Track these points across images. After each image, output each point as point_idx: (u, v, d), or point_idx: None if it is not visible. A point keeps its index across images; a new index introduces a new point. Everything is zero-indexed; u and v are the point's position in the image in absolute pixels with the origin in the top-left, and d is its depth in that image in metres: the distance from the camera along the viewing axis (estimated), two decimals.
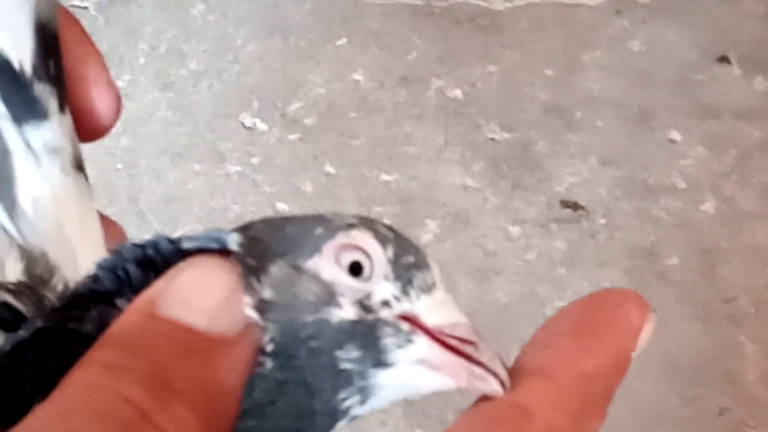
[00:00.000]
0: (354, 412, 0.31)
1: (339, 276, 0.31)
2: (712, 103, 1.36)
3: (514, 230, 1.28)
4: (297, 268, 0.31)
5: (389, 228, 0.33)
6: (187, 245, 0.31)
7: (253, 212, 1.29)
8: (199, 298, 0.30)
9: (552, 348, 0.31)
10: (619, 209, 1.29)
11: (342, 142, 1.34)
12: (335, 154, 1.33)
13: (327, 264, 0.31)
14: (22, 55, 0.40)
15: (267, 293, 0.31)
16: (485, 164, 1.32)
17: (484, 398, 0.31)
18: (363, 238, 0.32)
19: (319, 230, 0.32)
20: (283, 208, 1.29)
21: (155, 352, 0.28)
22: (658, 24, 1.43)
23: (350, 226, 0.32)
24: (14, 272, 0.37)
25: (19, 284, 0.37)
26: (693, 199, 1.29)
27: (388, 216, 1.27)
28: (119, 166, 1.31)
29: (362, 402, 0.31)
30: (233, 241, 0.31)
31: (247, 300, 0.30)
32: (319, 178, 1.31)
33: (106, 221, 0.43)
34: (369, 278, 0.31)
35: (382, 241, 0.32)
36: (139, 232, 1.26)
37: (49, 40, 0.41)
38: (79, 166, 0.41)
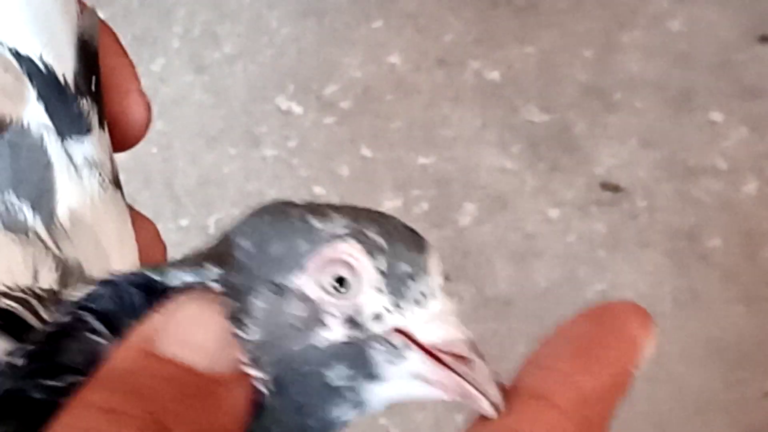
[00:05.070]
0: (350, 421, 0.31)
1: (322, 294, 0.31)
2: (753, 83, 1.35)
3: (554, 213, 1.27)
4: (281, 289, 0.30)
5: (387, 231, 0.32)
6: (174, 282, 0.31)
7: (290, 196, 1.27)
8: (199, 336, 0.29)
9: (550, 369, 0.30)
10: (659, 191, 1.28)
11: (378, 125, 1.33)
12: (371, 137, 1.32)
13: (310, 281, 0.31)
14: (66, 71, 0.40)
15: (255, 335, 0.30)
16: (523, 146, 1.31)
17: (482, 419, 0.30)
18: (347, 250, 0.31)
19: (304, 246, 0.31)
20: (319, 191, 1.28)
21: (154, 395, 0.28)
22: (698, 3, 1.41)
23: (336, 238, 0.31)
24: (48, 281, 0.37)
25: (48, 291, 0.37)
26: (734, 180, 1.28)
27: (426, 199, 1.27)
28: (154, 149, 1.30)
29: (357, 413, 0.31)
30: (212, 281, 0.31)
31: (242, 356, 0.30)
32: (356, 161, 1.31)
33: (139, 217, 0.43)
34: (355, 293, 0.31)
35: (372, 251, 0.31)
36: (174, 216, 1.26)
37: (90, 58, 0.41)
38: (116, 182, 0.41)
